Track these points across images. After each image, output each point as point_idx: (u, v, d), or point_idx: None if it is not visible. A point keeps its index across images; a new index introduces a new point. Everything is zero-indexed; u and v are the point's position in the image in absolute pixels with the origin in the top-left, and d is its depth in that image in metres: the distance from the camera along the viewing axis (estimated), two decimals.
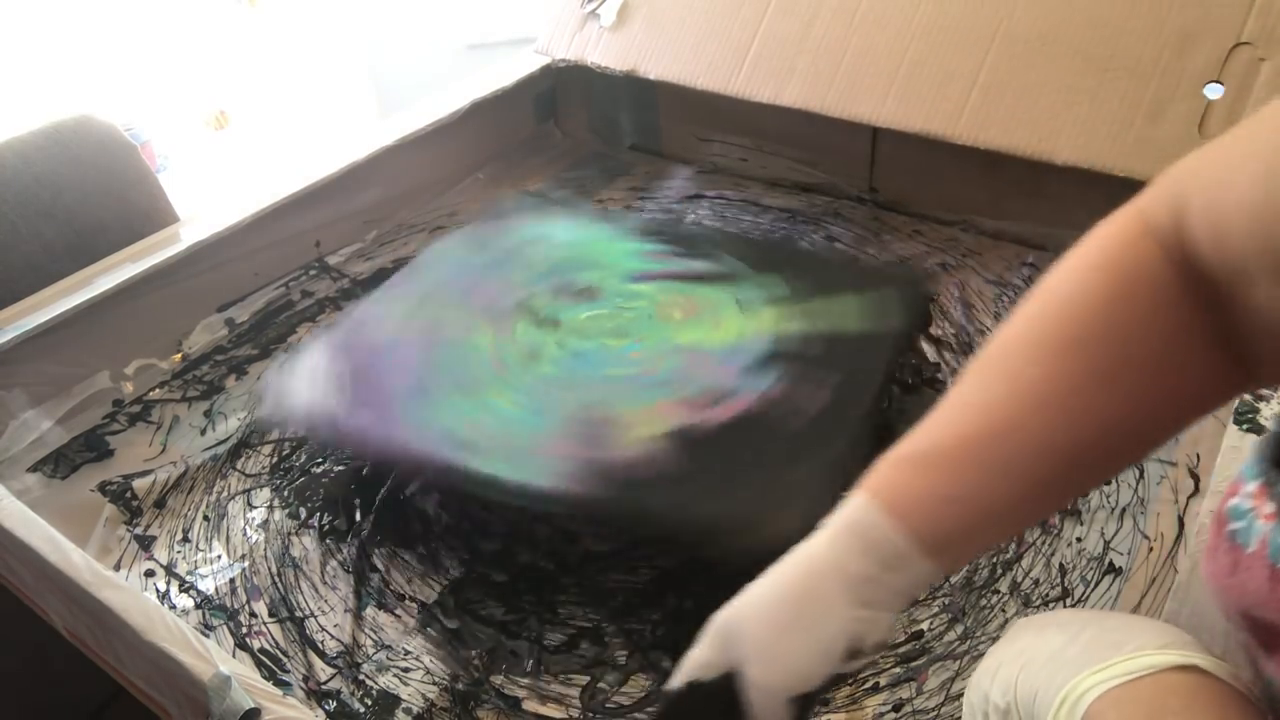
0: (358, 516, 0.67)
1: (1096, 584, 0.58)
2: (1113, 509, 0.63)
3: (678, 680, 0.39)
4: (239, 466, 0.73)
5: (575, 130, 1.19)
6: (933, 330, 0.80)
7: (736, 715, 0.39)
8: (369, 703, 0.55)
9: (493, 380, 0.64)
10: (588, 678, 0.56)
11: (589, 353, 0.66)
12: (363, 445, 0.64)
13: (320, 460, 0.72)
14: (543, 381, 0.64)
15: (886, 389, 0.67)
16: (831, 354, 0.64)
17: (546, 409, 0.61)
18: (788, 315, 0.68)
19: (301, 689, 0.56)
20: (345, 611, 0.61)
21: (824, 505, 0.38)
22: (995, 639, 0.50)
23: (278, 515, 0.68)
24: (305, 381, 0.64)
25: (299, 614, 0.61)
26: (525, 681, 0.56)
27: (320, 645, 0.59)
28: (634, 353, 0.66)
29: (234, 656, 0.57)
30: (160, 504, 0.70)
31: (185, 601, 0.62)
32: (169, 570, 0.65)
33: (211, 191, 1.96)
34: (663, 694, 0.44)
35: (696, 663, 0.38)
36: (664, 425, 0.59)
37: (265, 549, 0.66)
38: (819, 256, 0.87)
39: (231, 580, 0.64)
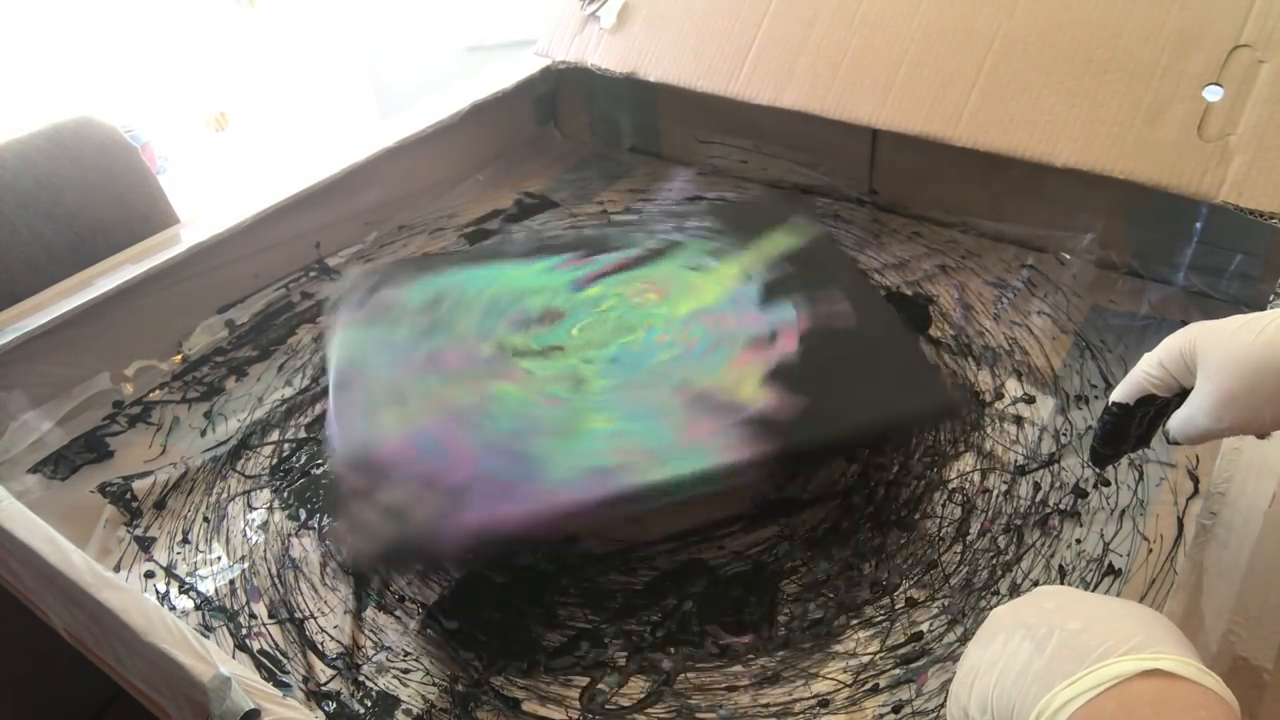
0: None
1: (1096, 585, 0.58)
2: (1112, 510, 0.63)
3: (1124, 395, 0.48)
4: (239, 468, 0.73)
5: (575, 132, 1.19)
6: (932, 332, 0.80)
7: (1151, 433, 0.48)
8: (369, 704, 0.55)
9: (568, 416, 0.61)
10: (587, 679, 0.56)
11: (621, 356, 0.67)
12: (509, 536, 0.56)
13: (320, 462, 0.72)
14: (614, 393, 0.63)
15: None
16: (803, 269, 0.74)
17: (649, 411, 0.61)
18: (739, 260, 0.75)
19: (301, 690, 0.56)
20: (345, 613, 0.61)
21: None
22: None
23: (278, 516, 0.68)
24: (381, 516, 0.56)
25: (299, 615, 0.61)
26: (524, 683, 0.56)
27: (320, 646, 0.59)
28: (659, 336, 0.68)
29: (234, 658, 0.57)
30: (160, 505, 0.70)
31: (185, 603, 0.62)
32: (169, 571, 0.65)
33: (212, 193, 1.97)
34: (1109, 407, 0.50)
35: (1151, 379, 0.46)
36: (757, 374, 0.63)
37: (265, 550, 0.66)
38: (715, 211, 0.91)
39: (231, 581, 0.64)
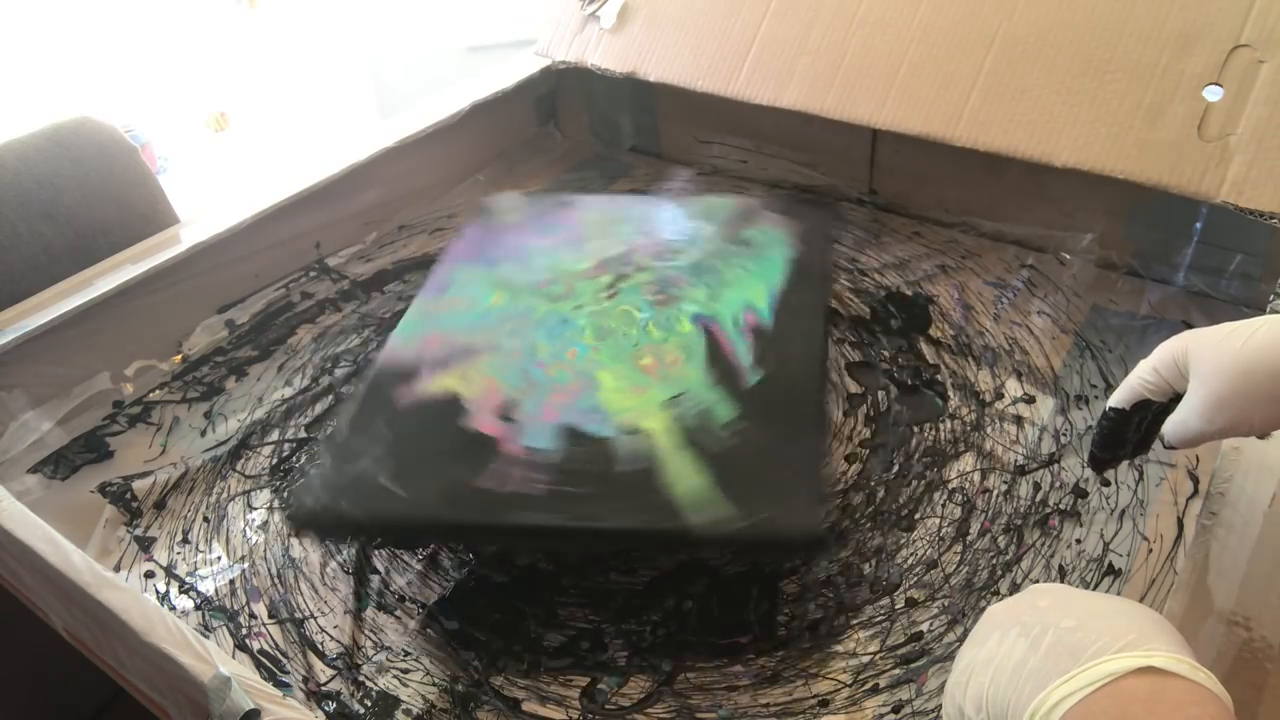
0: None
1: (1096, 585, 0.58)
2: (1112, 510, 0.63)
3: (1120, 400, 0.49)
4: (239, 468, 0.73)
5: (575, 132, 1.19)
6: (932, 332, 0.80)
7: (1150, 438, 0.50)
8: (369, 704, 0.55)
9: None
10: (587, 679, 0.56)
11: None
12: None
13: (320, 462, 0.72)
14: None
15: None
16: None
17: None
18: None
19: (301, 690, 0.56)
20: (345, 613, 0.61)
21: None
22: None
23: (278, 517, 0.68)
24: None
25: (299, 615, 0.61)
26: (525, 683, 0.56)
27: (320, 646, 0.59)
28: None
29: (234, 658, 0.57)
30: (160, 505, 0.70)
31: (185, 603, 0.62)
32: (169, 571, 0.65)
33: (212, 193, 1.97)
34: (1106, 413, 0.51)
35: (1146, 385, 0.47)
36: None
37: (265, 550, 0.66)
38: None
39: (231, 581, 0.64)
